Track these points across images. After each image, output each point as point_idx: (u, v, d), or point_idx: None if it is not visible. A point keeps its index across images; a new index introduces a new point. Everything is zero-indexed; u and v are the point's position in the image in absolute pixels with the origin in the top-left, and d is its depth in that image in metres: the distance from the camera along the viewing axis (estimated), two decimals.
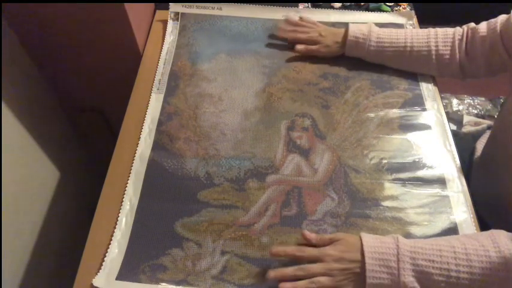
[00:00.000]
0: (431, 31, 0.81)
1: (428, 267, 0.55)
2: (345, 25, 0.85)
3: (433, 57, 0.79)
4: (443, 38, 0.79)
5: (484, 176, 0.81)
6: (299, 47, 0.86)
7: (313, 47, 0.86)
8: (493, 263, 0.54)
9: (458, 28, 0.80)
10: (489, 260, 0.54)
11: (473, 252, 0.55)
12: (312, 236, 0.62)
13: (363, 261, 0.56)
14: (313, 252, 0.59)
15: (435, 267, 0.55)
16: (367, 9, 0.98)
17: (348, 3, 0.98)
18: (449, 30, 0.80)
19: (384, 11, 0.97)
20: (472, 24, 0.79)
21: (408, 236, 0.64)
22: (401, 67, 0.84)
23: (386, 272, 0.55)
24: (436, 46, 0.79)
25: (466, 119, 1.46)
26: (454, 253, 0.55)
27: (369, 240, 0.58)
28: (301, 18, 0.91)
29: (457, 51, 0.78)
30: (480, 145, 0.90)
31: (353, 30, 0.82)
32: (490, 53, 0.76)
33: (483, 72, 0.79)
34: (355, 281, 0.57)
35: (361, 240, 0.58)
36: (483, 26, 0.77)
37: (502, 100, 1.54)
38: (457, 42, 0.78)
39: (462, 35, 0.79)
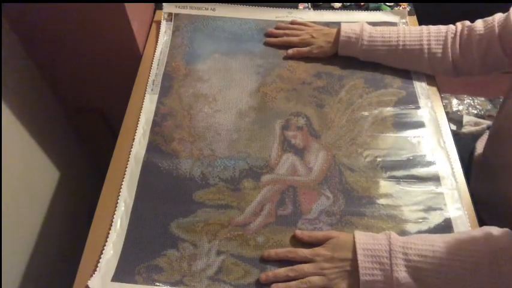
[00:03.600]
0: (424, 28, 0.81)
1: (421, 263, 0.55)
2: (339, 25, 0.85)
3: (425, 54, 0.80)
4: (435, 35, 0.79)
5: (484, 176, 0.81)
6: (290, 51, 0.87)
7: (305, 50, 0.86)
8: (484, 257, 0.54)
9: (451, 26, 0.80)
10: (480, 254, 0.54)
11: (465, 247, 0.55)
12: (304, 235, 0.62)
13: (354, 259, 0.57)
14: (305, 253, 0.60)
15: (428, 262, 0.55)
16: (367, 9, 0.98)
17: (348, 3, 0.98)
18: (442, 28, 0.80)
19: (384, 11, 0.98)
20: (467, 22, 0.79)
21: (403, 233, 0.65)
22: (394, 65, 0.84)
23: (379, 268, 0.55)
24: (429, 43, 0.79)
25: (466, 119, 1.46)
26: (446, 248, 0.56)
27: (362, 238, 0.58)
28: (292, 22, 0.92)
29: (449, 48, 0.78)
30: (480, 145, 0.90)
31: (345, 29, 0.82)
32: (486, 51, 0.76)
33: (477, 70, 0.79)
34: (348, 278, 0.57)
35: (354, 237, 0.59)
36: (479, 24, 0.77)
37: (502, 100, 1.54)
38: (449, 39, 0.78)
39: (455, 33, 0.79)
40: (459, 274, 0.54)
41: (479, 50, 0.76)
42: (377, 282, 0.55)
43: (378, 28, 0.83)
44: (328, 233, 0.62)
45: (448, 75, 0.82)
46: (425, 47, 0.79)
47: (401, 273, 0.55)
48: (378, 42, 0.81)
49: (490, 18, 0.76)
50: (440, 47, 0.79)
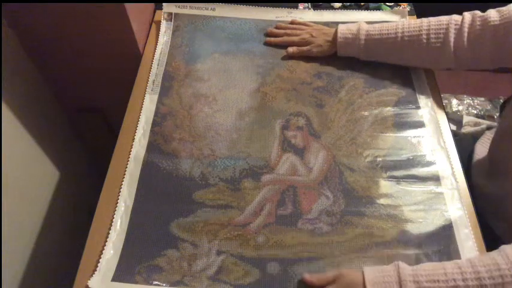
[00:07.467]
0: (424, 20, 0.78)
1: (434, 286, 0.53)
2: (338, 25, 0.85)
3: (424, 46, 0.77)
4: (435, 26, 0.77)
5: (490, 176, 0.79)
6: (290, 49, 0.87)
7: (305, 48, 0.86)
8: (502, 269, 0.52)
9: (455, 16, 0.77)
10: (498, 267, 0.52)
11: (480, 264, 0.53)
12: (313, 278, 0.60)
13: None
14: None
15: (441, 286, 0.53)
16: (367, 9, 0.98)
17: (348, 3, 0.98)
18: (443, 19, 0.77)
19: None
20: (478, 13, 0.75)
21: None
22: (395, 61, 0.83)
23: None
24: (428, 35, 0.77)
25: (466, 119, 1.46)
26: (459, 268, 0.54)
27: (370, 273, 0.57)
28: (292, 22, 0.92)
29: (451, 39, 0.75)
30: (480, 146, 0.89)
31: (342, 31, 0.82)
32: (502, 43, 0.72)
33: (485, 63, 0.76)
34: None
35: (363, 274, 0.57)
36: (494, 15, 0.73)
37: (501, 100, 1.54)
38: (452, 30, 0.75)
39: (462, 23, 0.75)
40: None
41: (494, 41, 0.72)
42: None
43: (376, 25, 0.82)
44: (337, 273, 0.59)
45: (449, 68, 0.80)
46: (424, 38, 0.77)
47: None
48: (375, 38, 0.80)
49: (504, 8, 0.73)
50: (441, 38, 0.76)
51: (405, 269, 0.55)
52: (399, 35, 0.79)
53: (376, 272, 0.57)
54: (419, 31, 0.78)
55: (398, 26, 0.80)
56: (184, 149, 0.73)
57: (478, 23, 0.74)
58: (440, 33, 0.76)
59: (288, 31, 0.90)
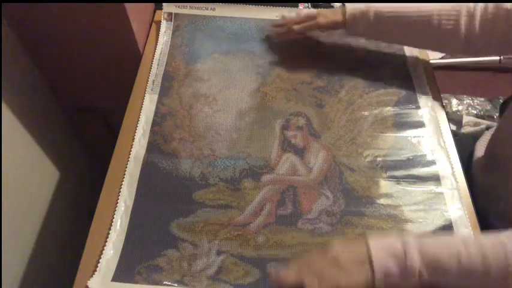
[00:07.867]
0: (437, 4, 0.77)
1: (437, 250, 0.52)
2: None
3: (435, 26, 0.76)
4: (448, 8, 0.76)
5: (490, 177, 0.79)
6: (296, 26, 0.85)
7: (310, 23, 0.84)
8: (505, 245, 0.51)
9: (466, 3, 0.76)
10: (499, 239, 0.52)
11: (485, 237, 0.53)
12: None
13: (368, 252, 0.53)
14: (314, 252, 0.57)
15: (444, 252, 0.52)
16: None
17: (348, 3, 0.98)
18: (456, 4, 0.76)
19: None
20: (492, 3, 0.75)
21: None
22: (404, 41, 0.83)
23: (393, 256, 0.52)
24: (439, 16, 0.75)
25: (466, 119, 1.46)
26: (461, 238, 0.55)
27: (373, 236, 0.55)
28: None
29: (462, 22, 0.74)
30: (480, 146, 0.89)
31: (350, 7, 0.81)
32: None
33: (496, 48, 0.76)
34: (362, 265, 0.53)
35: (366, 238, 0.55)
36: (509, 3, 0.73)
37: (501, 100, 1.55)
38: (463, 16, 0.74)
39: (475, 9, 0.74)
40: (480, 265, 0.51)
41: (506, 25, 0.72)
42: (392, 273, 0.52)
43: (387, 3, 0.80)
44: None
45: (457, 52, 0.79)
46: (436, 19, 0.75)
47: (416, 263, 0.52)
48: (386, 14, 0.79)
49: None
50: (452, 20, 0.75)
51: (408, 234, 0.56)
52: (409, 13, 0.77)
53: (379, 236, 0.56)
54: (431, 11, 0.76)
55: (409, 6, 0.78)
56: (184, 149, 0.73)
57: (491, 9, 0.73)
58: (451, 16, 0.75)
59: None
